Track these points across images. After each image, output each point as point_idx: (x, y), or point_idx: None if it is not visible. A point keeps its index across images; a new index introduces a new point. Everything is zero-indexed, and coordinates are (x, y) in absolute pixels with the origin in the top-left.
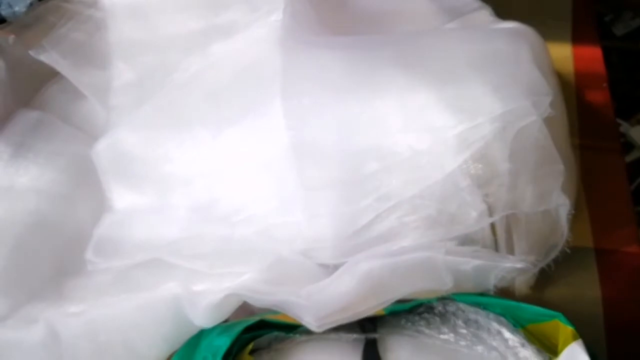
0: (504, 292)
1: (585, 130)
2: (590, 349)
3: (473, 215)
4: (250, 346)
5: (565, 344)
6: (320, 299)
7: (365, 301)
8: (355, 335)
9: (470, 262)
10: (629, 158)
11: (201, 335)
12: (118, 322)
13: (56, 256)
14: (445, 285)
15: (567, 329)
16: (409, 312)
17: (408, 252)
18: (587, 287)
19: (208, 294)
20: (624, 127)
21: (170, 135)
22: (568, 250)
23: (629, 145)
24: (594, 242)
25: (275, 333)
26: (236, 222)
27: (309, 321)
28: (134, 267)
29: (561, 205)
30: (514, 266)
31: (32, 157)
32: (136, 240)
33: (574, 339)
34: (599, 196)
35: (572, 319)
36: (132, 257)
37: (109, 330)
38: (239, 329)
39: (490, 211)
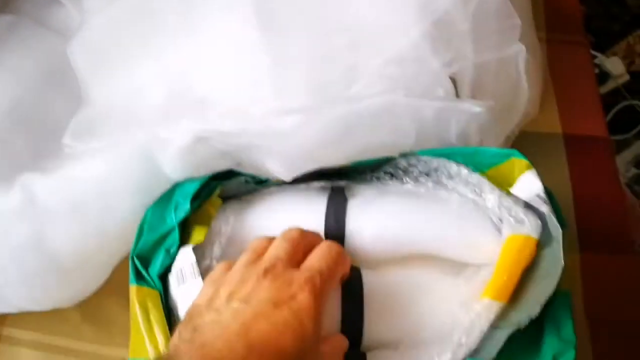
0: None
1: (552, 24)
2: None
3: (436, 71)
4: (219, 190)
5: (520, 174)
6: (287, 144)
7: (332, 151)
8: (322, 184)
9: (430, 104)
10: (604, 89)
11: (175, 188)
12: (91, 177)
13: (34, 142)
14: (408, 136)
15: (522, 162)
16: (373, 170)
17: (369, 96)
18: (556, 170)
19: (176, 139)
20: (599, 59)
21: (145, 28)
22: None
23: (604, 76)
24: (562, 127)
25: (244, 178)
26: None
27: (278, 169)
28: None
29: (519, 52)
30: (473, 109)
31: (8, 54)
32: (113, 126)
33: (528, 168)
34: (567, 86)
35: None
36: (110, 139)
37: (83, 186)
38: (209, 175)
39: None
